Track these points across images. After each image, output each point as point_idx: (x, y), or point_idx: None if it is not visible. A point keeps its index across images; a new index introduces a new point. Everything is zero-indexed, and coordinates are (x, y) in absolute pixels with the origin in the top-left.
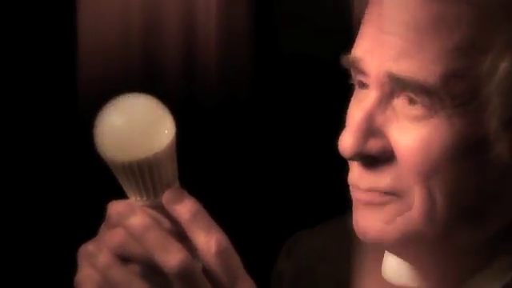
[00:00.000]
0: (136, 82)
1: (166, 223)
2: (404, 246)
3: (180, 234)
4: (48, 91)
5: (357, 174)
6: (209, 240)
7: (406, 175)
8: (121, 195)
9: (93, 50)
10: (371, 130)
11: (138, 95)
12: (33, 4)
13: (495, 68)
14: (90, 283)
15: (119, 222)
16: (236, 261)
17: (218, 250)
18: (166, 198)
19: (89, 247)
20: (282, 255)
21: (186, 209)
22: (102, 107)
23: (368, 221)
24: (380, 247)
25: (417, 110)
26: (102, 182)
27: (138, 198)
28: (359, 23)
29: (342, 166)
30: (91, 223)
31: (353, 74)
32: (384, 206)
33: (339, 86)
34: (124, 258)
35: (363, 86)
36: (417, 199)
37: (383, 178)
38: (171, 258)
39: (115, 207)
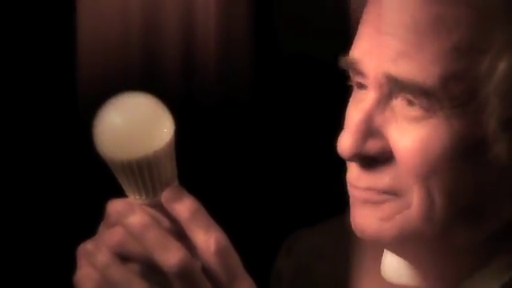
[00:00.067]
0: (135, 81)
1: (165, 222)
2: (402, 244)
3: (179, 233)
4: (47, 90)
5: (355, 174)
6: (208, 239)
7: (405, 175)
8: (120, 194)
9: (92, 49)
10: (370, 130)
11: (138, 94)
12: (32, 3)
13: (494, 69)
14: (90, 282)
15: (118, 220)
16: (235, 259)
17: (217, 248)
18: (165, 196)
19: (88, 246)
20: (281, 253)
21: (185, 207)
22: (102, 106)
23: (365, 218)
24: (378, 246)
25: (415, 111)
26: (101, 181)
27: (137, 197)
28: (356, 21)
29: (341, 165)
30: (90, 222)
31: (351, 75)
32: (382, 204)
33: (338, 86)
34: (123, 257)
35: (361, 86)
36: (416, 199)
37: (382, 178)
38: (170, 256)
39: (114, 206)
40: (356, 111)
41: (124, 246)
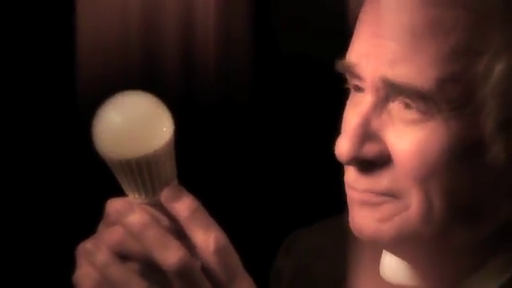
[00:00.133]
0: (135, 80)
1: (165, 221)
2: (400, 244)
3: (179, 232)
4: (47, 90)
5: (353, 177)
6: (207, 238)
7: (403, 178)
8: (119, 193)
9: (92, 48)
10: (367, 134)
11: (137, 93)
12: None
13: (491, 70)
14: (89, 281)
15: (118, 219)
16: (234, 259)
17: (216, 247)
18: (165, 195)
19: (87, 245)
20: (280, 253)
21: (184, 206)
22: (101, 105)
23: (364, 219)
24: (377, 246)
25: (412, 114)
26: (100, 180)
27: (137, 196)
28: (354, 21)
29: (340, 164)
30: (90, 221)
31: (348, 78)
32: (380, 205)
33: (337, 86)
34: (123, 256)
35: (359, 89)
36: (414, 201)
37: (380, 181)
38: (170, 255)
39: (114, 205)
40: (353, 115)
41: (123, 245)
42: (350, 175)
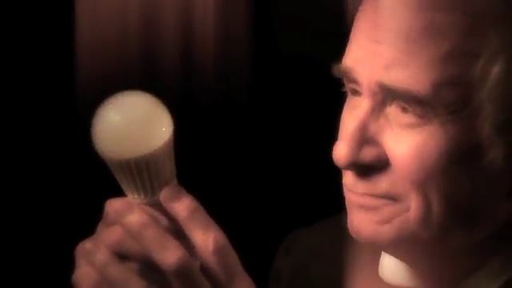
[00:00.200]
0: (134, 79)
1: (164, 221)
2: (399, 246)
3: (178, 232)
4: (46, 90)
5: (351, 181)
6: (206, 238)
7: (402, 181)
8: (119, 193)
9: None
10: (365, 139)
11: (136, 93)
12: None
13: (487, 73)
14: (88, 281)
15: (117, 219)
16: (234, 259)
17: (215, 247)
18: (164, 195)
19: (86, 245)
20: (280, 253)
21: (183, 206)
22: (100, 105)
23: (362, 221)
24: (376, 247)
25: (409, 118)
26: (99, 180)
27: (136, 196)
28: (352, 22)
29: None
30: (89, 221)
31: (345, 82)
32: (379, 208)
33: (337, 87)
34: (122, 256)
35: (356, 93)
36: (413, 204)
37: (378, 185)
38: (169, 255)
39: (113, 205)
40: (350, 119)
41: (122, 245)
42: (348, 179)
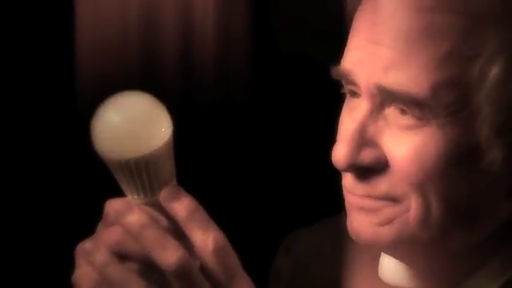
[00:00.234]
0: (134, 79)
1: (164, 221)
2: (398, 248)
3: (177, 232)
4: (46, 90)
5: (351, 182)
6: (206, 238)
7: (401, 183)
8: (118, 193)
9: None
10: (364, 141)
11: (136, 93)
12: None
13: (485, 74)
14: (88, 281)
15: (117, 219)
16: (233, 259)
17: (215, 247)
18: (164, 195)
19: (86, 245)
20: (280, 253)
21: (183, 207)
22: (100, 105)
23: (362, 223)
24: (375, 248)
25: (408, 120)
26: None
27: (136, 196)
28: (351, 22)
29: None
30: (89, 221)
31: (343, 83)
32: (379, 210)
33: (337, 87)
34: (121, 256)
35: (354, 94)
36: (413, 205)
37: (378, 187)
38: (169, 255)
39: (113, 205)
40: (349, 121)
41: (122, 245)
42: (348, 181)
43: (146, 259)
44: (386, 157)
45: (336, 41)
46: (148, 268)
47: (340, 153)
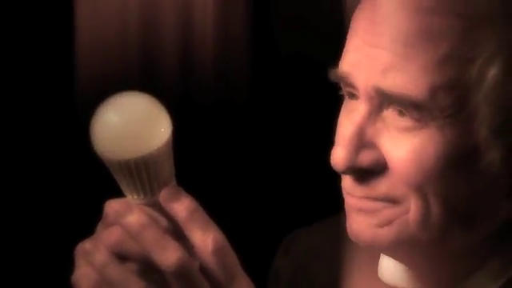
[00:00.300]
0: (133, 80)
1: (163, 221)
2: (398, 249)
3: (177, 233)
4: (46, 90)
5: (350, 184)
6: (206, 238)
7: (400, 184)
8: (118, 194)
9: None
10: (362, 143)
11: (135, 93)
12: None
13: (483, 75)
14: (87, 281)
15: (116, 220)
16: (233, 259)
17: (214, 248)
18: (163, 196)
19: (86, 245)
20: (279, 253)
21: (182, 207)
22: (99, 105)
23: (361, 224)
24: (374, 249)
25: (407, 122)
26: (99, 181)
27: (135, 197)
28: (350, 21)
29: None
30: (89, 221)
31: (342, 86)
32: (379, 211)
33: (336, 86)
34: (121, 257)
35: (353, 96)
36: (412, 206)
37: (377, 188)
38: (168, 256)
39: (112, 205)
40: (348, 123)
41: (122, 246)
42: (347, 182)
43: (145, 259)
44: (384, 158)
45: (335, 40)
46: (148, 268)
47: (339, 155)
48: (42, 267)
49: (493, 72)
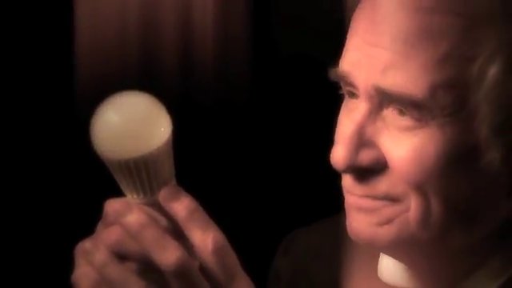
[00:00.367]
0: (133, 79)
1: (163, 221)
2: (397, 248)
3: (177, 232)
4: (45, 90)
5: (350, 183)
6: (205, 238)
7: (401, 183)
8: (118, 193)
9: (90, 47)
10: (362, 141)
11: (135, 93)
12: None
13: (483, 74)
14: (87, 281)
15: (116, 219)
16: (233, 259)
17: (214, 247)
18: (163, 195)
19: (86, 245)
20: (279, 253)
21: (182, 206)
22: (99, 105)
23: (361, 223)
24: (375, 248)
25: (407, 121)
26: (99, 180)
27: (135, 196)
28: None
29: None
30: (89, 221)
31: (342, 85)
32: (379, 209)
33: (336, 86)
34: (121, 256)
35: (353, 95)
36: (413, 204)
37: (377, 187)
38: (168, 255)
39: (112, 205)
40: (348, 122)
41: (122, 245)
42: (347, 181)
43: (145, 259)
44: (384, 157)
45: (335, 40)
46: (147, 268)
47: (339, 154)
48: (42, 267)
49: (493, 71)
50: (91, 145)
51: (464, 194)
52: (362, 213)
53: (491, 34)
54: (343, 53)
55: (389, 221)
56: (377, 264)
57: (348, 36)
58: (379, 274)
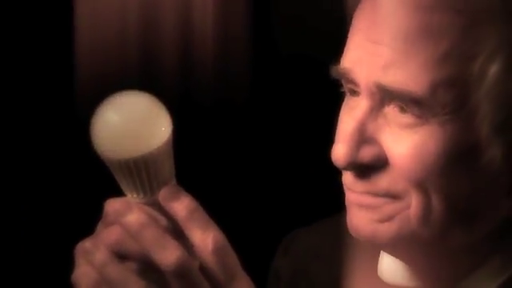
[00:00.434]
0: (133, 79)
1: (163, 221)
2: (398, 245)
3: (177, 232)
4: (45, 89)
5: (351, 179)
6: (205, 238)
7: (401, 180)
8: (118, 193)
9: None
10: (363, 138)
11: (135, 93)
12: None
13: (484, 72)
14: (87, 280)
15: (116, 219)
16: (233, 258)
17: (214, 247)
18: (163, 195)
19: (86, 244)
20: (279, 253)
21: (182, 206)
22: (99, 105)
23: (361, 220)
24: (375, 246)
25: (408, 118)
26: (99, 180)
27: (135, 196)
28: (351, 20)
29: None
30: (89, 221)
31: (343, 82)
32: (379, 207)
33: (336, 86)
34: (121, 256)
35: (354, 93)
36: (414, 201)
37: (378, 184)
38: (168, 255)
39: (112, 205)
40: (349, 119)
41: (122, 245)
42: (348, 178)
43: (145, 259)
44: (385, 154)
45: (335, 40)
46: (147, 267)
47: (340, 151)
48: (42, 267)
49: (494, 69)
50: (91, 144)
51: (464, 192)
52: (363, 210)
53: (492, 33)
54: (344, 51)
55: (389, 218)
56: (377, 263)
57: (349, 33)
58: (379, 273)
